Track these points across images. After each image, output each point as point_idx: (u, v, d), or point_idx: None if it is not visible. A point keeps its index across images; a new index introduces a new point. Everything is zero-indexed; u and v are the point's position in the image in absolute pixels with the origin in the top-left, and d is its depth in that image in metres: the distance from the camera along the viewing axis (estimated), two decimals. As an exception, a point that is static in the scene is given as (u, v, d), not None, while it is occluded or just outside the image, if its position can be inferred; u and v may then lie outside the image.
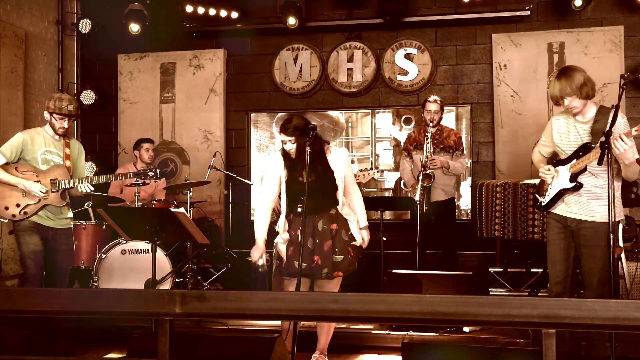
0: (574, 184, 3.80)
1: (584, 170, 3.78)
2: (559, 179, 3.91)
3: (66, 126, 4.60)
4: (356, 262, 4.15)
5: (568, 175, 3.84)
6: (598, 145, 3.68)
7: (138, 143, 6.82)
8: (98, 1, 7.97)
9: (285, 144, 4.02)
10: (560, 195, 3.89)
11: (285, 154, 4.10)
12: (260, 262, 4.08)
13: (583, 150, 3.78)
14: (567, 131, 3.91)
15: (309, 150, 3.91)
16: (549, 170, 3.94)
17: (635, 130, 3.52)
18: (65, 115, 4.56)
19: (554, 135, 3.97)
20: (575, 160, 3.81)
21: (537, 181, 4.15)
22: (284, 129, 3.99)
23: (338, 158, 4.12)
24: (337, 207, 4.09)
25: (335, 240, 4.03)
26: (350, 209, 4.17)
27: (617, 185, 3.84)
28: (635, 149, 3.72)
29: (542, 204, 4.01)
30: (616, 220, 3.84)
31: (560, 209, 3.92)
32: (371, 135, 8.05)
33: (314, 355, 4.19)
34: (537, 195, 4.09)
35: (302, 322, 4.22)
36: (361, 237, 4.16)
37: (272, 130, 8.62)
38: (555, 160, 3.99)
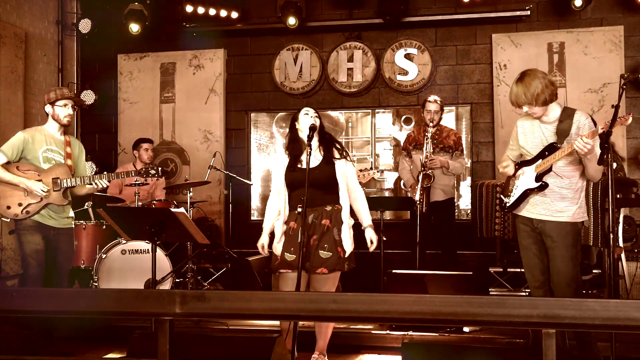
0: (539, 183, 3.80)
1: (550, 170, 3.78)
2: (524, 179, 3.90)
3: (71, 112, 4.58)
4: (346, 264, 4.06)
5: (534, 175, 3.84)
6: (564, 145, 3.70)
7: (137, 143, 6.82)
8: (98, 1, 7.98)
9: (307, 115, 4.14)
10: (525, 195, 3.89)
11: (292, 141, 4.20)
12: (264, 251, 4.18)
13: (549, 150, 3.78)
14: (532, 132, 3.91)
15: (309, 149, 3.94)
16: (506, 162, 3.99)
17: (602, 128, 3.53)
18: (71, 98, 4.55)
19: (519, 137, 3.98)
20: (541, 160, 3.82)
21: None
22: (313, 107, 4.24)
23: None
24: (336, 205, 4.07)
25: (324, 237, 4.00)
26: (354, 209, 4.17)
27: (582, 185, 3.85)
28: (598, 149, 3.73)
29: (507, 204, 4.00)
30: (580, 221, 3.85)
31: (525, 211, 3.91)
32: (371, 135, 8.05)
33: (313, 355, 4.18)
34: (502, 196, 4.08)
35: (301, 322, 4.22)
36: (366, 238, 4.14)
37: (272, 130, 8.63)
38: (521, 161, 3.98)
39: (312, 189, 3.95)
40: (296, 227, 4.03)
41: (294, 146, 4.19)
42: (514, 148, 4.07)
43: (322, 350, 4.19)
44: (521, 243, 4.00)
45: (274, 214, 4.18)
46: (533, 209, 3.87)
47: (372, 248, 4.15)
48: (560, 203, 3.78)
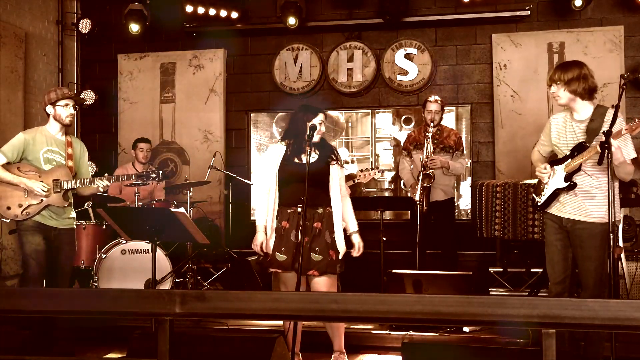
0: (568, 183, 3.82)
1: (579, 169, 3.78)
2: (554, 178, 3.92)
3: (73, 112, 4.57)
4: (338, 267, 4.08)
5: (563, 174, 3.85)
6: (593, 144, 3.69)
7: (135, 143, 6.86)
8: (98, 1, 7.98)
9: (322, 124, 4.11)
10: (555, 194, 3.90)
11: (295, 135, 4.15)
12: (261, 251, 4.08)
13: (578, 149, 3.79)
14: (565, 130, 3.92)
15: (309, 150, 3.94)
16: (545, 168, 3.96)
17: (625, 130, 3.52)
18: (71, 97, 4.54)
19: (552, 134, 3.99)
20: (570, 159, 3.83)
21: (536, 181, 4.16)
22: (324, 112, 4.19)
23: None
24: (328, 207, 4.08)
25: (316, 240, 4.01)
26: (344, 216, 4.18)
27: (613, 184, 3.85)
28: (632, 149, 3.72)
29: (539, 203, 4.03)
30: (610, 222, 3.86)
31: (555, 209, 3.93)
32: (371, 135, 8.05)
33: (333, 355, 4.19)
34: (534, 195, 4.12)
35: (304, 322, 4.22)
36: (352, 243, 4.16)
37: (272, 130, 8.63)
38: (552, 159, 4.00)
39: (307, 185, 3.95)
40: (288, 226, 4.03)
41: (297, 140, 4.13)
42: (545, 144, 4.07)
43: (340, 349, 4.20)
44: (547, 239, 4.02)
45: (266, 210, 4.12)
46: (563, 208, 3.88)
47: (356, 253, 4.18)
48: (590, 202, 3.79)
